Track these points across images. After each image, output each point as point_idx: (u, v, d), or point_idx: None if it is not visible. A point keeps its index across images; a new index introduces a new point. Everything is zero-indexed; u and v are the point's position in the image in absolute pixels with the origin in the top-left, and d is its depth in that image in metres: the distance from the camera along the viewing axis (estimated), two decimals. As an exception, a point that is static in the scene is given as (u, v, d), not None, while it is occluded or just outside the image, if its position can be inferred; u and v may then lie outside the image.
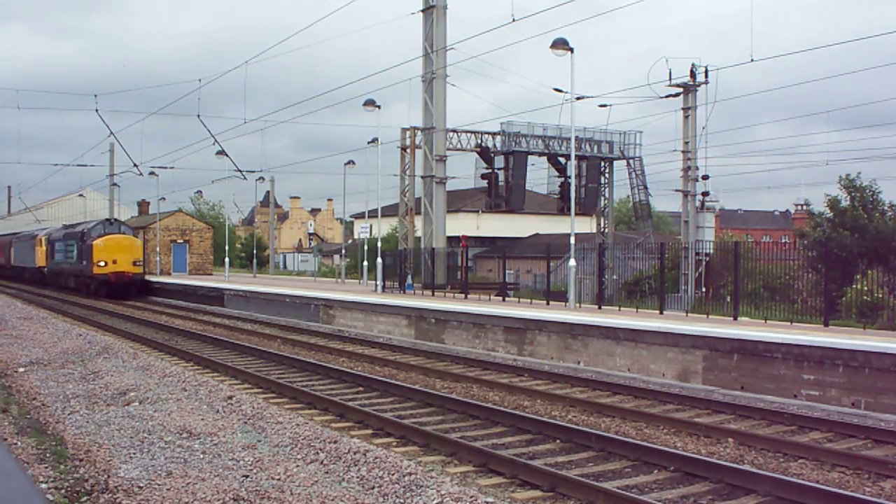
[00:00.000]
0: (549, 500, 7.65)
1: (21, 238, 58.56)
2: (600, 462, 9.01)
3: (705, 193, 34.29)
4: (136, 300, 38.49)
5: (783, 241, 42.13)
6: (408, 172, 34.01)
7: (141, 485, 7.07)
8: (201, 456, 8.08)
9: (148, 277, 42.71)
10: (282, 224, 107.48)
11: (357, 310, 24.14)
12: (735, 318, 17.05)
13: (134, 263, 39.34)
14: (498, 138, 36.81)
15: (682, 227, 35.55)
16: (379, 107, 28.09)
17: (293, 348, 19.37)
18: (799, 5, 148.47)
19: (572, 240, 22.07)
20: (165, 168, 49.08)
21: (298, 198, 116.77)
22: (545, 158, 38.52)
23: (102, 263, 38.13)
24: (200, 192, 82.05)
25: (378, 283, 28.92)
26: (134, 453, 8.19)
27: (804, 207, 50.26)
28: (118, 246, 38.90)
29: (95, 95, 51.17)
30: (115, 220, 42.16)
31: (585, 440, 9.70)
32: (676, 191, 35.80)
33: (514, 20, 24.00)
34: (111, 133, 41.21)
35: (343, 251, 52.52)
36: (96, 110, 38.51)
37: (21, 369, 14.47)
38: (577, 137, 32.97)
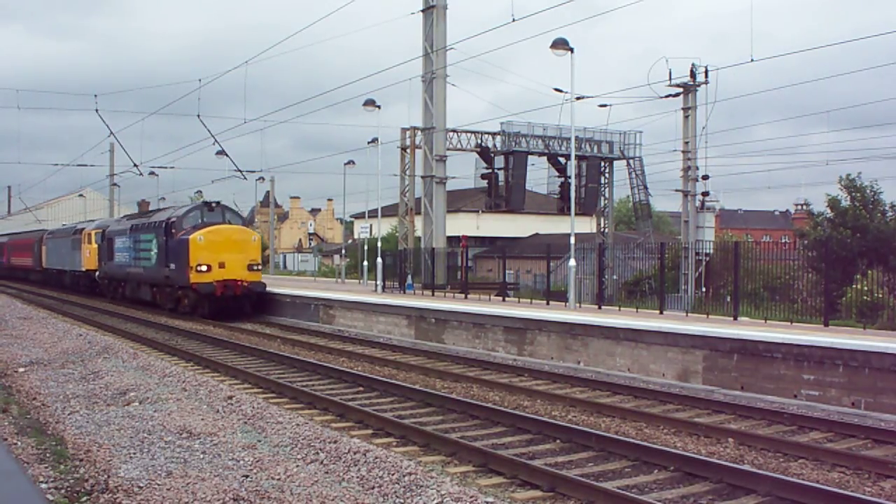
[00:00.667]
0: (549, 500, 7.65)
1: (58, 234, 46.81)
2: (600, 462, 9.01)
3: (705, 193, 34.32)
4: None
5: (783, 241, 42.12)
6: (408, 172, 34.01)
7: (141, 485, 7.07)
8: (201, 456, 8.08)
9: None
10: (282, 224, 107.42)
11: (357, 310, 24.13)
12: (735, 318, 17.05)
13: (250, 268, 27.13)
14: (498, 138, 36.84)
15: (682, 227, 35.57)
16: (379, 107, 28.10)
17: (293, 348, 19.37)
18: (797, 5, 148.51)
19: (572, 240, 22.07)
20: (165, 168, 49.07)
21: (298, 198, 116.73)
22: (545, 158, 38.56)
23: (204, 268, 26.01)
24: (200, 192, 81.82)
25: (378, 283, 28.91)
26: (134, 453, 8.19)
27: (804, 207, 50.30)
28: (227, 242, 26.86)
29: (95, 95, 51.11)
30: (218, 203, 28.79)
31: (585, 440, 9.70)
32: (676, 191, 35.84)
33: (513, 20, 24.04)
34: (111, 133, 40.77)
35: (343, 251, 52.51)
36: (96, 110, 37.95)
37: (21, 369, 14.47)
38: (577, 137, 32.99)
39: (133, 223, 32.85)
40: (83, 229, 40.70)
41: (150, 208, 52.86)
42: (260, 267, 28.21)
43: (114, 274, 34.62)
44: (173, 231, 27.74)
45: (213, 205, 28.56)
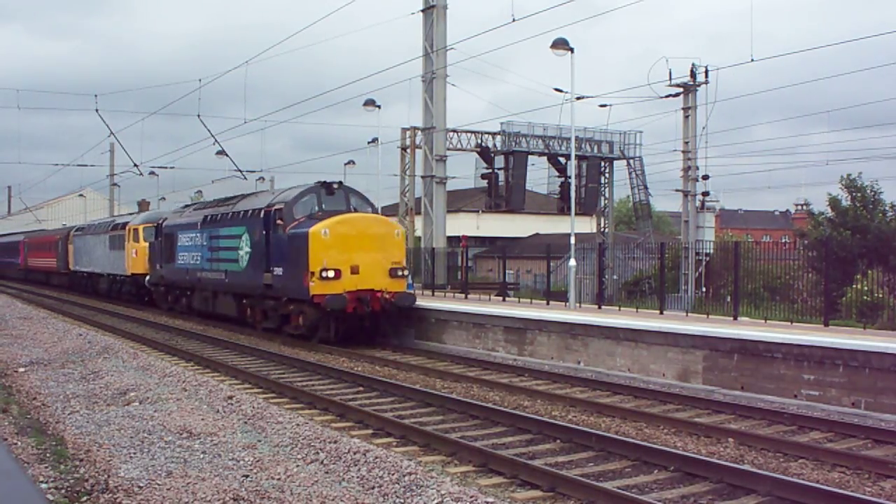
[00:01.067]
0: (549, 500, 7.65)
1: (90, 230, 39.45)
2: (600, 462, 9.02)
3: (705, 193, 34.34)
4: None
5: (783, 241, 42.15)
6: (408, 172, 34.02)
7: (141, 485, 7.08)
8: (201, 456, 8.08)
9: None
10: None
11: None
12: (735, 318, 17.04)
13: (393, 274, 19.70)
14: (498, 138, 36.85)
15: (682, 227, 35.58)
16: (379, 107, 28.12)
17: (293, 348, 19.36)
18: (796, 5, 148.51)
19: (572, 240, 22.06)
20: (165, 168, 48.88)
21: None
22: (545, 158, 38.57)
23: (331, 274, 18.75)
24: (200, 192, 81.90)
25: (378, 283, 28.83)
26: (134, 453, 8.19)
27: (804, 207, 50.40)
28: (362, 237, 19.48)
29: (95, 95, 50.99)
30: (340, 183, 21.25)
31: (585, 440, 9.70)
32: (676, 191, 35.86)
33: (513, 20, 24.03)
34: (111, 133, 40.57)
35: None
36: (96, 110, 37.72)
37: (21, 369, 14.48)
38: (577, 137, 33.00)
39: (208, 213, 25.33)
40: (126, 223, 33.75)
41: (151, 208, 51.96)
42: (406, 272, 20.57)
43: (175, 280, 27.55)
44: (279, 222, 20.16)
45: (335, 186, 20.62)
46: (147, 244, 30.89)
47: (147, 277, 30.63)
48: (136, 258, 31.92)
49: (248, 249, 21.85)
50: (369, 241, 19.54)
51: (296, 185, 22.44)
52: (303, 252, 19.04)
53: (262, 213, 21.10)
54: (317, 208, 20.13)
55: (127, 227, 33.20)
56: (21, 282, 54.71)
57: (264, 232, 20.80)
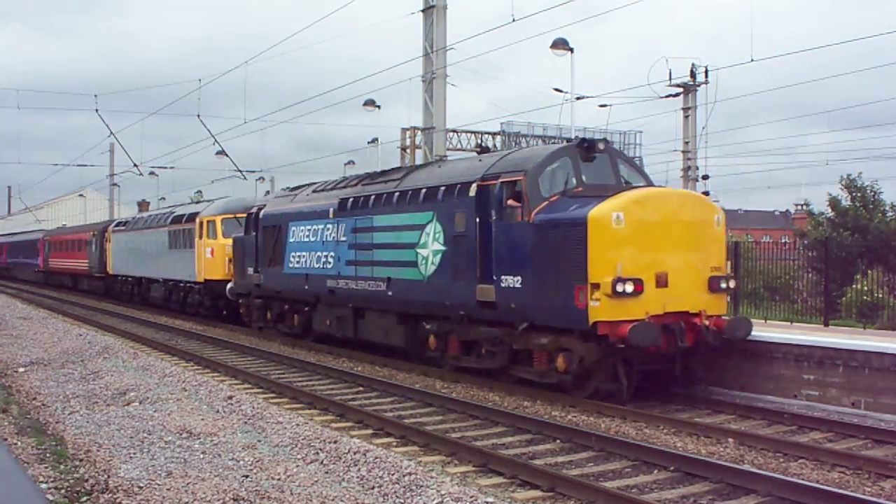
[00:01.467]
0: (549, 500, 7.65)
1: (137, 225, 32.29)
2: (600, 462, 9.02)
3: (705, 193, 34.32)
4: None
5: (783, 241, 42.14)
6: (408, 172, 34.06)
7: (141, 485, 7.08)
8: (201, 456, 8.08)
9: None
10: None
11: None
12: (735, 318, 17.02)
13: (713, 286, 12.16)
14: (498, 138, 36.87)
15: (682, 227, 35.56)
16: (379, 107, 28.11)
17: (293, 349, 19.36)
18: (796, 5, 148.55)
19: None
20: (165, 168, 48.69)
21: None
22: (545, 158, 38.60)
23: (628, 288, 11.15)
24: (200, 191, 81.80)
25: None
26: (134, 453, 8.19)
27: (804, 207, 50.36)
28: (671, 224, 11.85)
29: (95, 95, 50.85)
30: (606, 141, 13.58)
31: (585, 440, 9.70)
32: (676, 191, 35.85)
33: (513, 20, 24.00)
34: (111, 133, 40.40)
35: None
36: (96, 110, 37.76)
37: (21, 369, 14.49)
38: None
39: (348, 195, 17.81)
40: (195, 214, 26.18)
41: (151, 208, 50.78)
42: (730, 285, 12.83)
43: (282, 289, 20.32)
44: (510, 203, 12.96)
45: (600, 146, 13.13)
46: (229, 241, 23.72)
47: (229, 285, 23.62)
48: (211, 260, 24.78)
49: (438, 247, 14.37)
50: (681, 234, 12.10)
51: (528, 147, 15.79)
52: (573, 251, 11.67)
53: (474, 189, 13.57)
54: (574, 181, 12.78)
55: (197, 220, 25.63)
56: (40, 286, 47.40)
57: (478, 219, 13.39)
